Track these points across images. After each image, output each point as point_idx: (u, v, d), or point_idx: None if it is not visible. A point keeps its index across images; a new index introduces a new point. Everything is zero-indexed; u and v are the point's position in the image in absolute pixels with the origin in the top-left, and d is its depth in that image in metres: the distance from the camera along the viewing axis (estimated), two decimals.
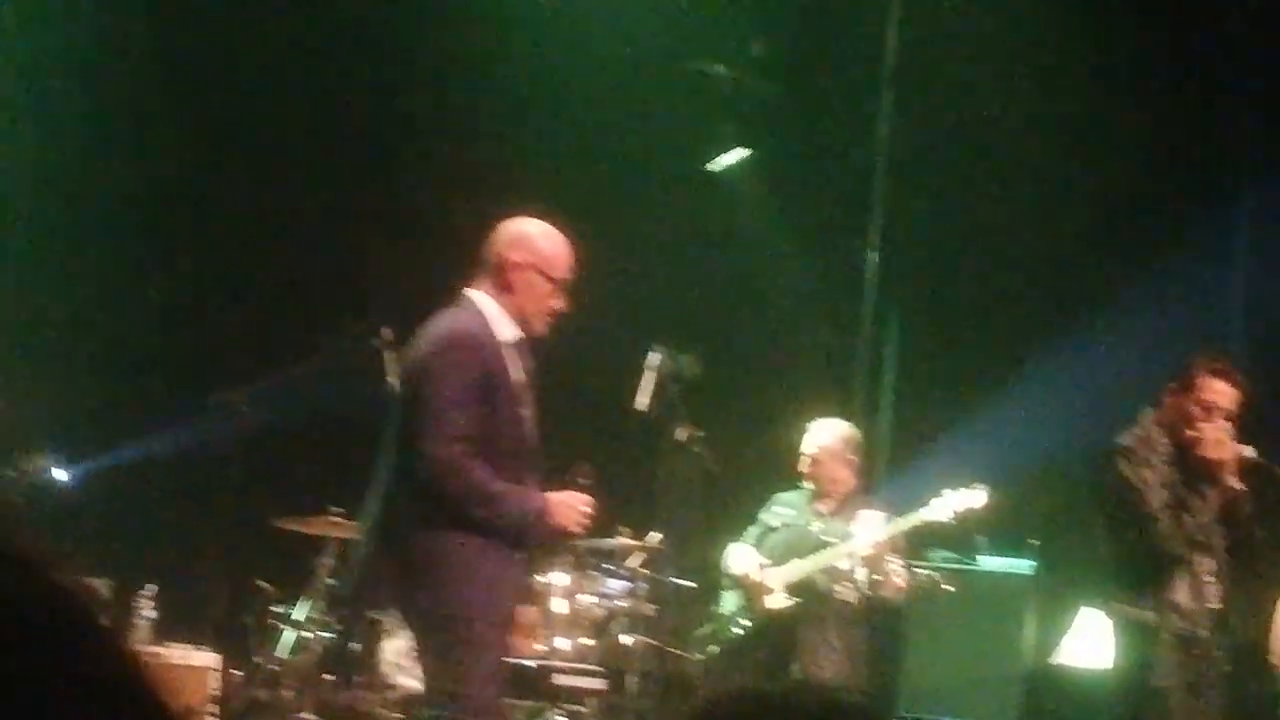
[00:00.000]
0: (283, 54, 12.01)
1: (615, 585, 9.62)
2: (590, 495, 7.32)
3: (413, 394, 6.96)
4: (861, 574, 9.53)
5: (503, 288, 7.15)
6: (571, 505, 7.15)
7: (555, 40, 12.08)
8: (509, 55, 12.09)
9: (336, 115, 12.19)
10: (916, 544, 10.24)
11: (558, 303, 7.21)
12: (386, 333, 9.93)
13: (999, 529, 10.91)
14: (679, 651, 9.83)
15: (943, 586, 10.27)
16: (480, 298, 7.15)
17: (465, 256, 11.28)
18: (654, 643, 9.56)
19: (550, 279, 7.17)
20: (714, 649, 9.83)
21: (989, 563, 11.28)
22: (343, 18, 12.08)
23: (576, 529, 7.27)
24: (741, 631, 9.74)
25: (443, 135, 12.25)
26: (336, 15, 12.08)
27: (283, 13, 11.99)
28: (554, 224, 7.36)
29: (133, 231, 12.04)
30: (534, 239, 7.23)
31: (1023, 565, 11.28)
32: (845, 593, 9.59)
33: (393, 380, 9.83)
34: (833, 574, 9.59)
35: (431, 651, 7.02)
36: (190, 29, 12.05)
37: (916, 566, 10.45)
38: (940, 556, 11.06)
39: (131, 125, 11.99)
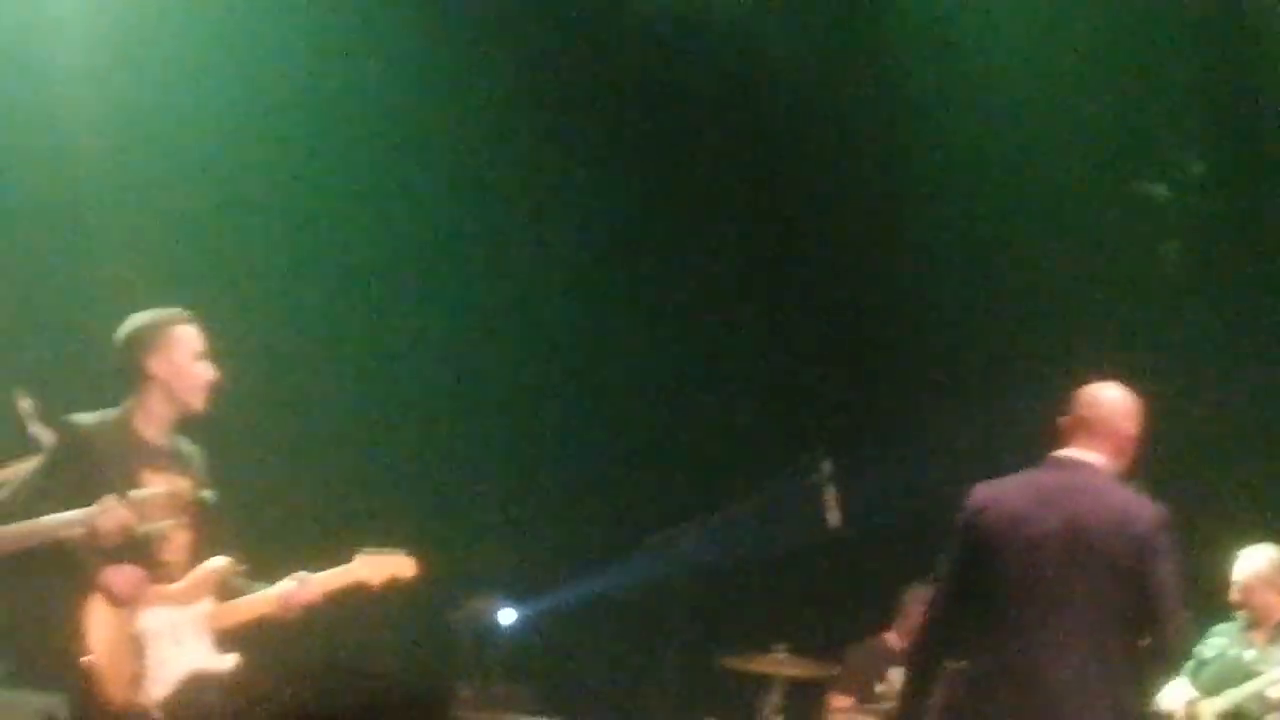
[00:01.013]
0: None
1: None
2: None
3: (1118, 566, 6.83)
4: None
5: (1124, 461, 7.07)
6: None
7: (994, 164, 11.97)
8: (946, 176, 12.02)
9: (774, 234, 12.24)
10: None
11: None
12: (827, 467, 9.92)
13: None
14: None
15: None
16: (1108, 468, 7.07)
17: (903, 386, 11.26)
18: None
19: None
20: None
21: None
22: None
23: None
24: None
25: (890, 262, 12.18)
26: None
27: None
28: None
29: (572, 381, 12.24)
30: (1139, 411, 7.16)
31: None
32: None
33: (833, 516, 9.83)
34: (1263, 703, 9.25)
35: None
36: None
37: None
38: None
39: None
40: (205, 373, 7.04)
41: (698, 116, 12.10)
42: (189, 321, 7.10)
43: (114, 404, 7.07)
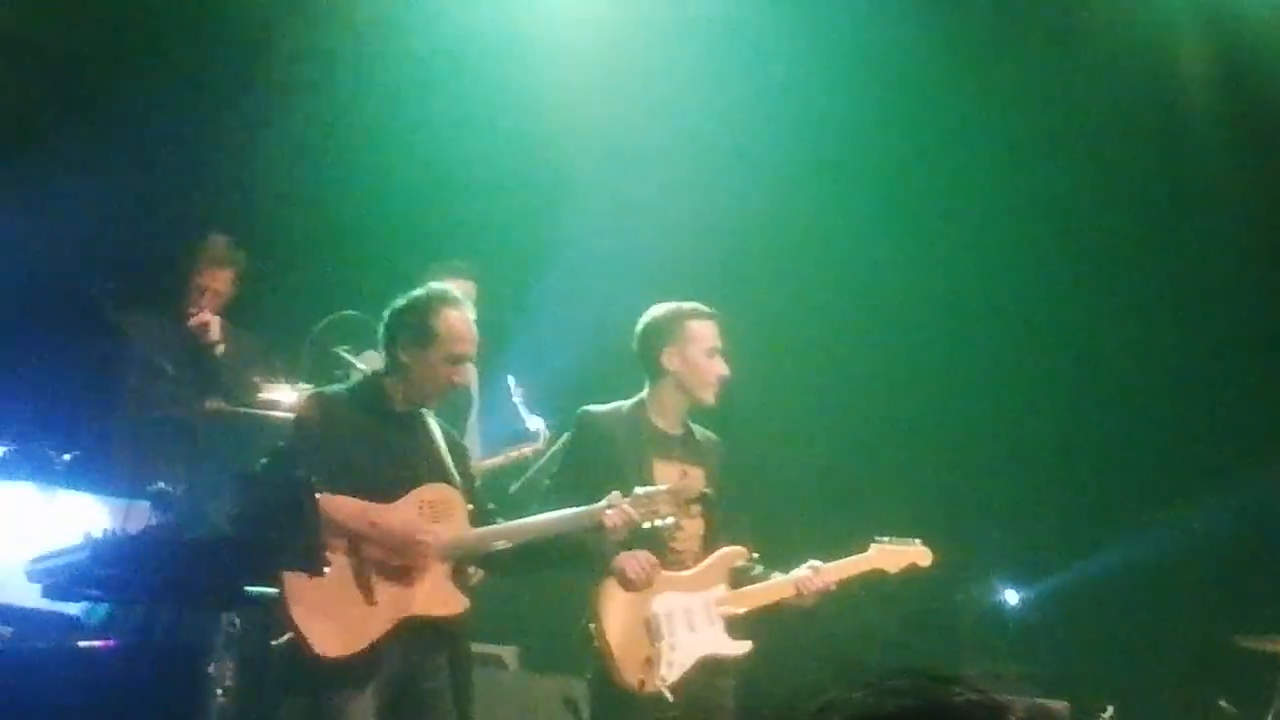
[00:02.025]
0: None
1: None
2: None
3: None
4: None
5: None
6: None
7: None
8: None
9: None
10: None
11: None
12: None
13: None
14: None
15: None
16: None
17: None
18: None
19: None
20: None
21: None
22: None
23: None
24: None
25: None
26: None
27: None
28: None
29: (1078, 362, 12.03)
30: None
31: None
32: None
33: None
34: None
35: None
36: None
37: None
38: None
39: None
40: (718, 368, 7.12)
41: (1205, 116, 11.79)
42: (706, 317, 7.18)
43: (617, 395, 7.28)
